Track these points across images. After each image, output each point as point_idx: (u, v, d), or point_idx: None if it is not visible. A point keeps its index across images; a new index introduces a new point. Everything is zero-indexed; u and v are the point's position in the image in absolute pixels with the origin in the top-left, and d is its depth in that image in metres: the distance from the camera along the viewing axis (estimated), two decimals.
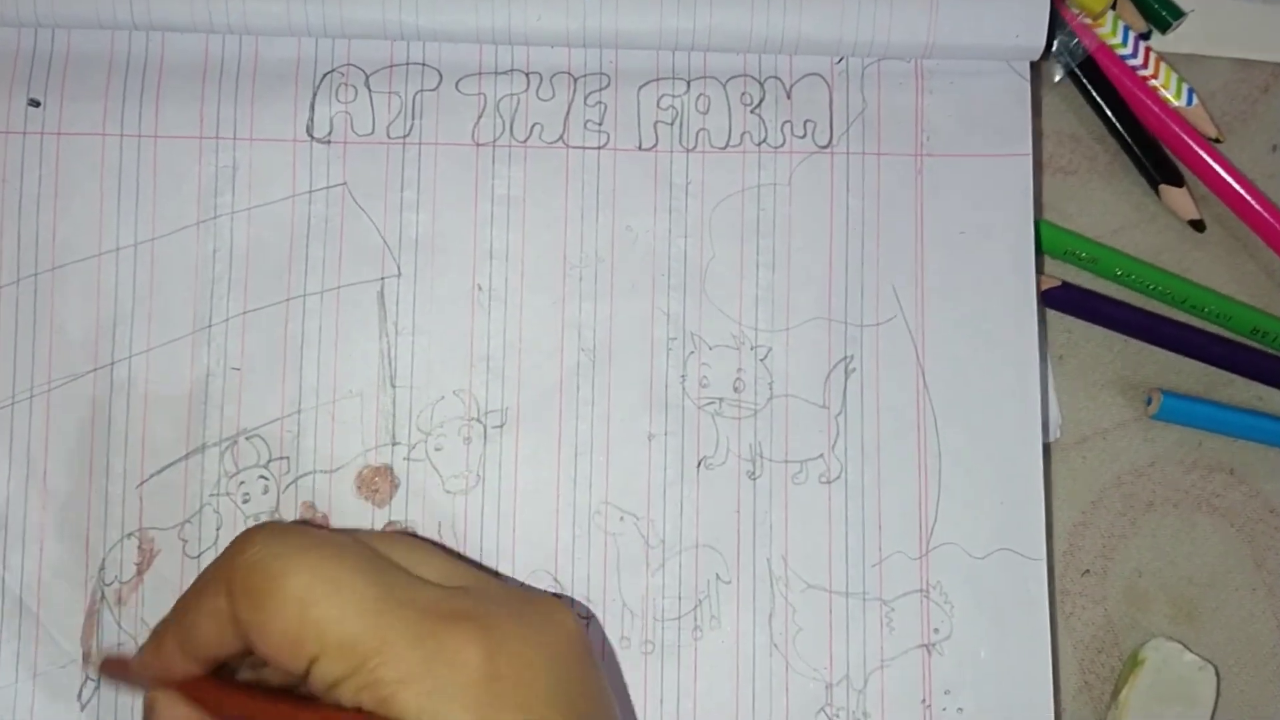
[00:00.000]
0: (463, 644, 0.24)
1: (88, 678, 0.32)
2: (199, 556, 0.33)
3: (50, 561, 0.32)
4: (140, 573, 0.32)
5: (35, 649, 0.32)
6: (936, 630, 0.33)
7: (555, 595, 0.32)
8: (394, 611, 0.24)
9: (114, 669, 0.30)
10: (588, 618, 0.33)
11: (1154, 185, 0.36)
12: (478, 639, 0.24)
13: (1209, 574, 0.35)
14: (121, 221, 0.34)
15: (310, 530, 0.26)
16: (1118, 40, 0.36)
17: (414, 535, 0.33)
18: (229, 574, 0.25)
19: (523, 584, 0.33)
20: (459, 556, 0.32)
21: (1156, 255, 0.36)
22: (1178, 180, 0.36)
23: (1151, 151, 0.36)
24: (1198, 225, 0.36)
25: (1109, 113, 0.36)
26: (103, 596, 0.32)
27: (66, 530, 0.32)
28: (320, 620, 0.24)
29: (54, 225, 0.33)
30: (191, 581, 0.27)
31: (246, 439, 0.33)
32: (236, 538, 0.26)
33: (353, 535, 0.27)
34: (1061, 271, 0.36)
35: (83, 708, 0.32)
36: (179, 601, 0.27)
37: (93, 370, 0.33)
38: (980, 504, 0.33)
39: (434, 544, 0.30)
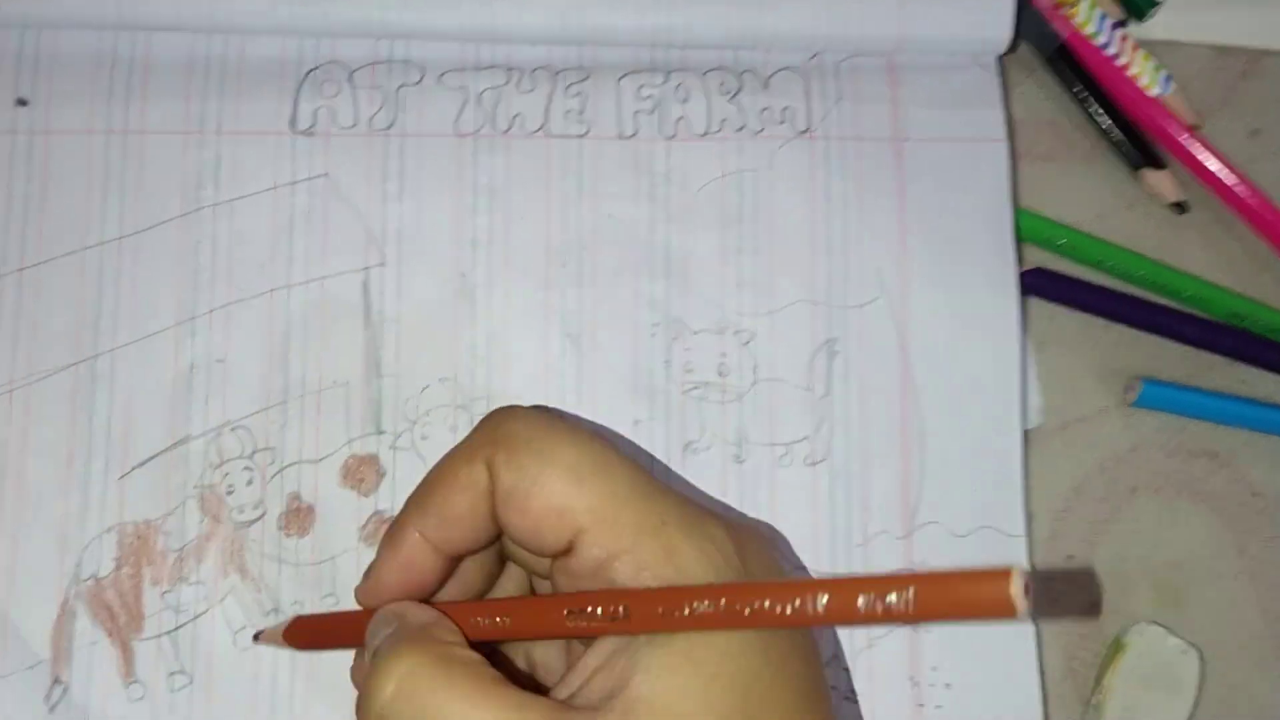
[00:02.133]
0: (722, 537, 0.24)
1: (56, 679, 0.33)
2: (180, 549, 0.34)
3: (24, 557, 0.33)
4: (119, 567, 0.34)
5: (3, 649, 0.33)
6: None
7: None
8: (664, 496, 0.25)
9: (307, 629, 0.29)
10: None
11: (1135, 169, 0.37)
12: (729, 535, 0.25)
13: (1192, 559, 0.36)
14: (106, 216, 0.35)
15: (566, 415, 0.26)
16: (1093, 29, 0.38)
17: None
18: (489, 446, 0.25)
19: None
20: None
21: (1137, 241, 0.38)
22: (1159, 164, 0.37)
23: (1132, 135, 0.37)
24: (1181, 207, 0.37)
25: (1087, 99, 0.37)
26: (77, 593, 0.33)
27: (41, 525, 0.34)
28: (593, 493, 0.24)
29: (40, 221, 0.35)
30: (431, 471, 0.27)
31: (231, 430, 0.34)
32: (489, 415, 0.26)
33: None
34: (1041, 259, 0.37)
35: (50, 709, 0.33)
36: (417, 492, 0.27)
37: (74, 364, 0.34)
38: (962, 483, 0.35)
39: None
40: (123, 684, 0.33)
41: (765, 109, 0.37)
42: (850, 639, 0.34)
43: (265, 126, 0.36)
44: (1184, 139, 0.37)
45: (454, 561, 0.27)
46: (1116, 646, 0.35)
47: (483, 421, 0.26)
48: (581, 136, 0.37)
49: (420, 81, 0.37)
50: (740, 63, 0.37)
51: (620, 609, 0.23)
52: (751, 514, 0.35)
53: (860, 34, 0.37)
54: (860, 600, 0.21)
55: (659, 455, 0.35)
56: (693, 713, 0.22)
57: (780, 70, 0.37)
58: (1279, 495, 0.37)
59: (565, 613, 0.24)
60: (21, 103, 0.35)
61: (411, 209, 0.36)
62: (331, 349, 0.35)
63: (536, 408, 0.27)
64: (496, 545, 0.28)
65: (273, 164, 0.36)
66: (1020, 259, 0.37)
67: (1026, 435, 0.36)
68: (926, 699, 0.34)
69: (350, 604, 0.34)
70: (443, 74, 0.37)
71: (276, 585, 0.34)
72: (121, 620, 0.33)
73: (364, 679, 0.24)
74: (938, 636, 0.34)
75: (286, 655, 0.33)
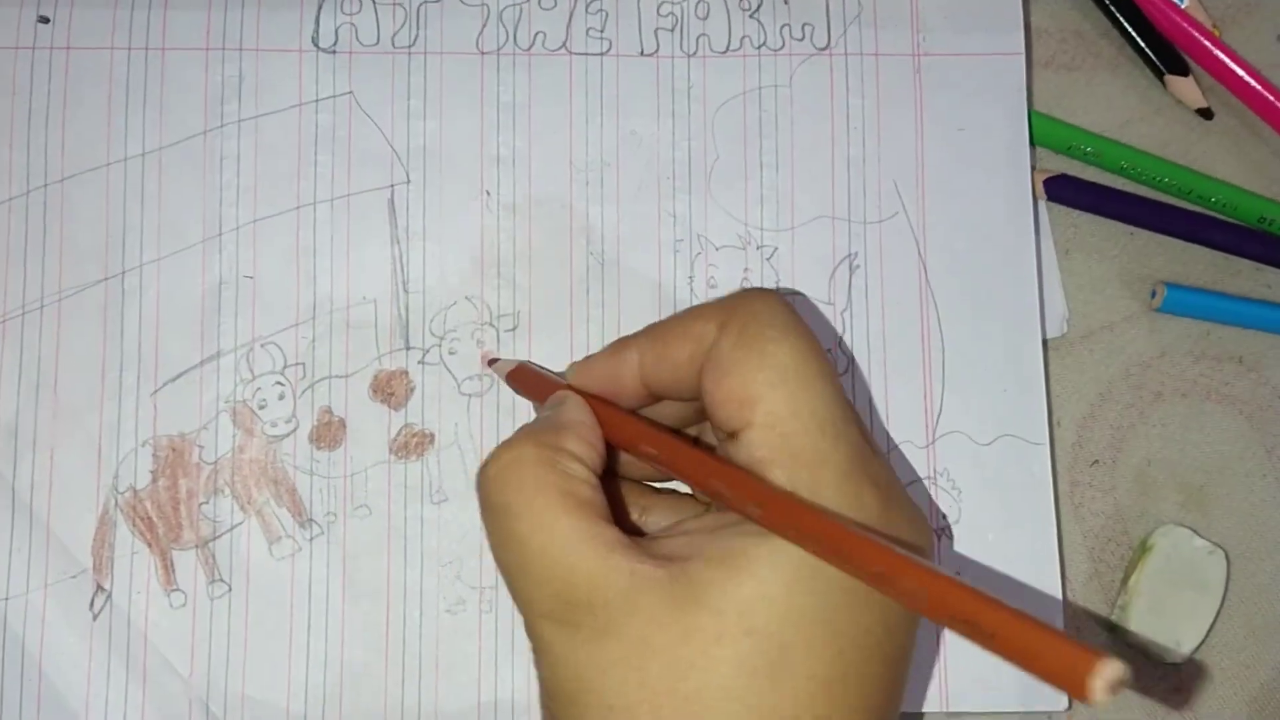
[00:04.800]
0: (871, 498, 0.25)
1: (99, 587, 0.34)
2: (215, 462, 0.35)
3: (62, 471, 0.34)
4: (155, 480, 0.34)
5: (46, 559, 0.34)
6: (945, 515, 0.35)
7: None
8: (840, 435, 0.25)
9: (523, 377, 0.33)
10: None
11: (1160, 76, 0.38)
12: (881, 495, 0.25)
13: (1218, 462, 0.37)
14: (130, 132, 0.36)
15: (800, 318, 0.27)
16: None
17: None
18: (728, 312, 0.27)
19: None
20: None
21: (1164, 147, 0.38)
22: (1183, 69, 0.37)
23: (1156, 42, 0.37)
24: (1205, 113, 0.38)
25: (1111, 6, 0.37)
26: (116, 504, 0.34)
27: (78, 439, 0.34)
28: (780, 401, 0.25)
29: (63, 137, 0.36)
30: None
31: (261, 346, 0.35)
32: (744, 290, 0.28)
33: None
34: (1066, 167, 0.38)
35: (94, 617, 0.34)
36: (657, 324, 0.29)
37: (104, 279, 0.35)
38: (983, 392, 0.36)
39: None
40: (164, 592, 0.34)
41: (785, 25, 0.38)
42: None
43: (287, 43, 0.36)
44: (1209, 45, 0.38)
45: (655, 396, 0.29)
46: (1143, 548, 0.36)
47: (736, 293, 0.28)
48: (603, 54, 0.37)
49: (441, 0, 0.37)
50: None
51: (756, 506, 0.24)
52: None
53: None
54: (949, 610, 0.21)
55: None
56: (751, 613, 0.24)
57: None
58: None
59: (710, 476, 0.25)
60: (44, 20, 0.36)
61: (435, 127, 0.36)
62: (359, 266, 0.36)
63: (783, 299, 0.28)
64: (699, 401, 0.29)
65: (296, 81, 0.36)
66: (1043, 167, 0.38)
67: (1051, 343, 0.37)
68: None
69: (382, 517, 0.35)
70: None
71: (309, 497, 0.34)
72: (160, 531, 0.34)
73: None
74: (960, 542, 0.35)
75: (322, 564, 0.34)
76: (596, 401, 0.29)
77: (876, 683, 0.25)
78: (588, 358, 0.30)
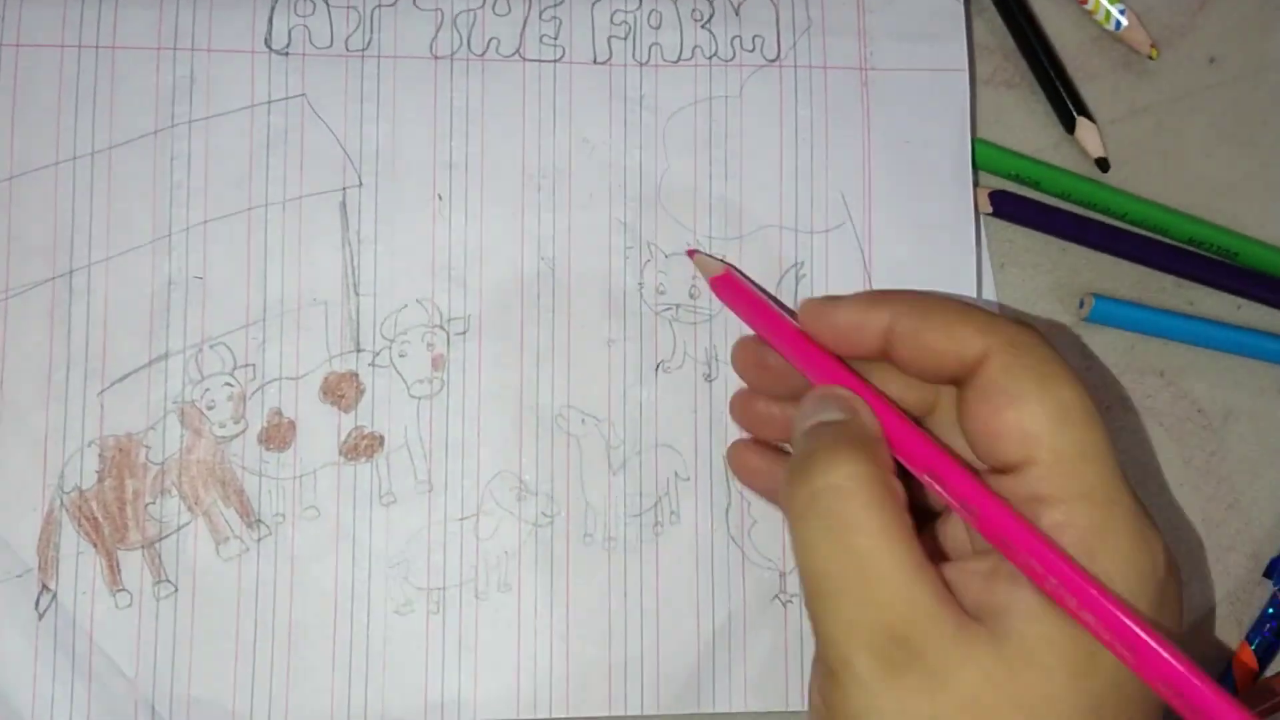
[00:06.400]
0: (1160, 556, 0.24)
1: (44, 587, 0.34)
2: (162, 463, 0.35)
3: (6, 470, 0.34)
4: (101, 480, 0.35)
5: None
6: None
7: None
8: (1125, 486, 0.25)
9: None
10: (551, 517, 0.36)
11: (1069, 128, 0.39)
12: (1168, 560, 0.24)
13: (1139, 473, 0.39)
14: (79, 131, 0.36)
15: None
16: None
17: None
18: (1003, 334, 0.25)
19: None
20: None
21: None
22: (1087, 115, 0.39)
23: (1064, 87, 0.39)
24: (1102, 164, 0.39)
25: (1029, 39, 0.39)
26: (61, 504, 0.34)
27: (24, 439, 0.35)
28: (1067, 440, 0.24)
29: (11, 136, 0.36)
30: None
31: (210, 347, 0.35)
32: (1006, 319, 0.27)
33: None
34: (1005, 186, 0.39)
35: (40, 617, 0.34)
36: (916, 301, 0.27)
37: (51, 278, 0.35)
38: None
39: None
40: (110, 592, 0.34)
41: (736, 37, 0.39)
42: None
43: (239, 44, 0.36)
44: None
45: (876, 358, 0.28)
46: None
47: (999, 317, 0.26)
48: (556, 61, 0.38)
49: (396, 3, 0.37)
50: None
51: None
52: (720, 430, 0.37)
53: None
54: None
55: (631, 374, 0.37)
56: (1051, 665, 0.23)
57: None
58: (1221, 412, 0.39)
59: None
60: None
61: (388, 130, 0.37)
62: (310, 268, 0.36)
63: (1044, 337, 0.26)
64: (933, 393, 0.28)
65: (248, 82, 0.36)
66: (984, 184, 0.39)
67: None
68: None
69: (331, 518, 0.35)
70: None
71: (257, 498, 0.35)
72: (106, 531, 0.34)
73: (800, 456, 0.25)
74: None
75: (270, 565, 0.34)
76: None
77: None
78: (830, 298, 0.28)
